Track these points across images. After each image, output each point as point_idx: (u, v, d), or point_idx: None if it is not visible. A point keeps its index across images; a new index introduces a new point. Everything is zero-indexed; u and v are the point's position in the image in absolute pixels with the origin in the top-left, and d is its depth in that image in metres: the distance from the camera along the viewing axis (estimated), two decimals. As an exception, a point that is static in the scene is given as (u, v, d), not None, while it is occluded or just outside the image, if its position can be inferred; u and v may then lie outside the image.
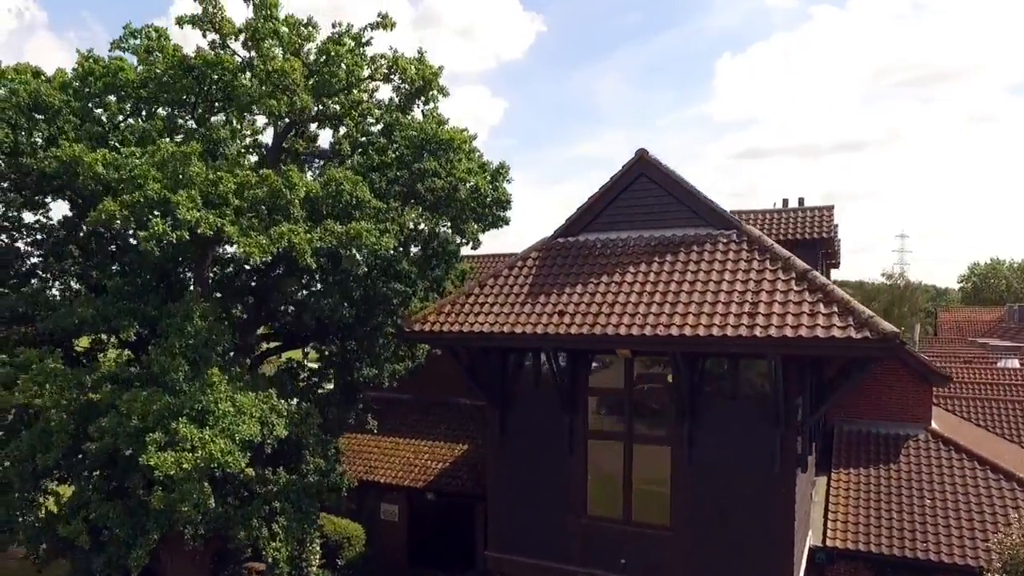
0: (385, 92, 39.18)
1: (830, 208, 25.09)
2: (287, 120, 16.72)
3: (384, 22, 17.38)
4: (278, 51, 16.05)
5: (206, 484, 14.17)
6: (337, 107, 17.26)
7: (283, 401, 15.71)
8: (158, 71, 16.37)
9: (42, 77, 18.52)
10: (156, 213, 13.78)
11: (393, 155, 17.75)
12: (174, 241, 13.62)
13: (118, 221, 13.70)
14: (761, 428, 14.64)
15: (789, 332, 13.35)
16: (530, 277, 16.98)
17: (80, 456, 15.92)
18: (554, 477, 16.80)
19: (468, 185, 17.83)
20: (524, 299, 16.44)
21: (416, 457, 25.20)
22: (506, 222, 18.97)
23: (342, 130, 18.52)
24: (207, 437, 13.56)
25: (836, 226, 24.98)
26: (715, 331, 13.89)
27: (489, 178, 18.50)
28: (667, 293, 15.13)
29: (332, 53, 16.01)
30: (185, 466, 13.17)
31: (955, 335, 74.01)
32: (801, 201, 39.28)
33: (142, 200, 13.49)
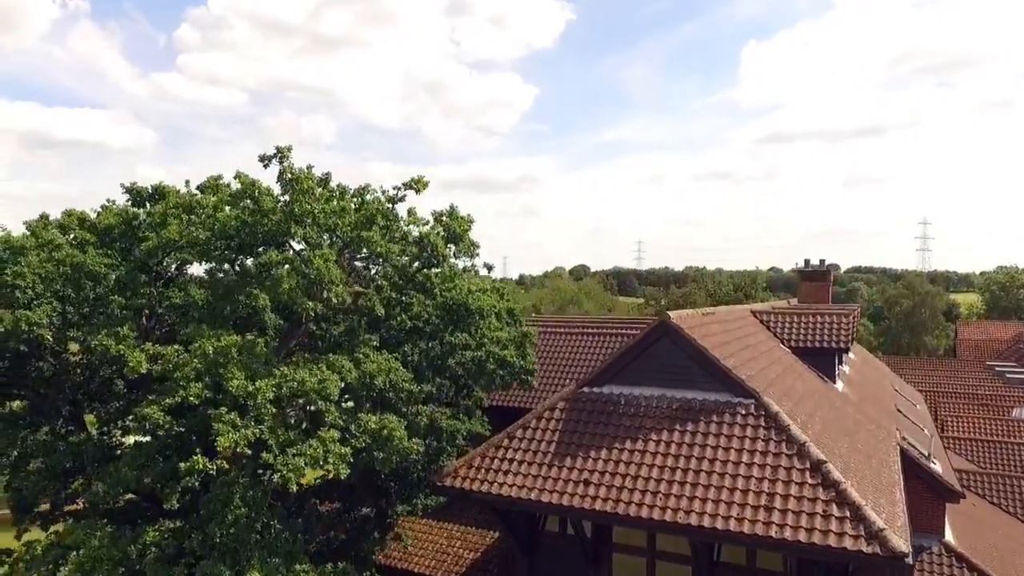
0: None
1: (849, 314, 24.88)
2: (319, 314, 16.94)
3: (416, 185, 17.58)
4: (312, 232, 16.20)
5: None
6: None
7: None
8: (201, 237, 16.66)
9: (88, 222, 19.04)
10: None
11: (425, 324, 17.98)
12: (212, 471, 13.99)
13: (161, 427, 14.15)
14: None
15: (803, 537, 13.46)
16: (556, 433, 17.19)
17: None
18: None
19: (497, 357, 18.07)
20: (551, 459, 16.66)
21: (449, 544, 25.58)
22: (531, 385, 19.23)
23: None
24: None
25: (854, 332, 24.81)
26: (732, 525, 14.04)
27: (516, 347, 18.70)
28: (687, 471, 15.30)
29: (366, 238, 16.16)
30: None
31: (974, 354, 73.01)
32: (822, 263, 39.03)
33: (183, 403, 13.92)
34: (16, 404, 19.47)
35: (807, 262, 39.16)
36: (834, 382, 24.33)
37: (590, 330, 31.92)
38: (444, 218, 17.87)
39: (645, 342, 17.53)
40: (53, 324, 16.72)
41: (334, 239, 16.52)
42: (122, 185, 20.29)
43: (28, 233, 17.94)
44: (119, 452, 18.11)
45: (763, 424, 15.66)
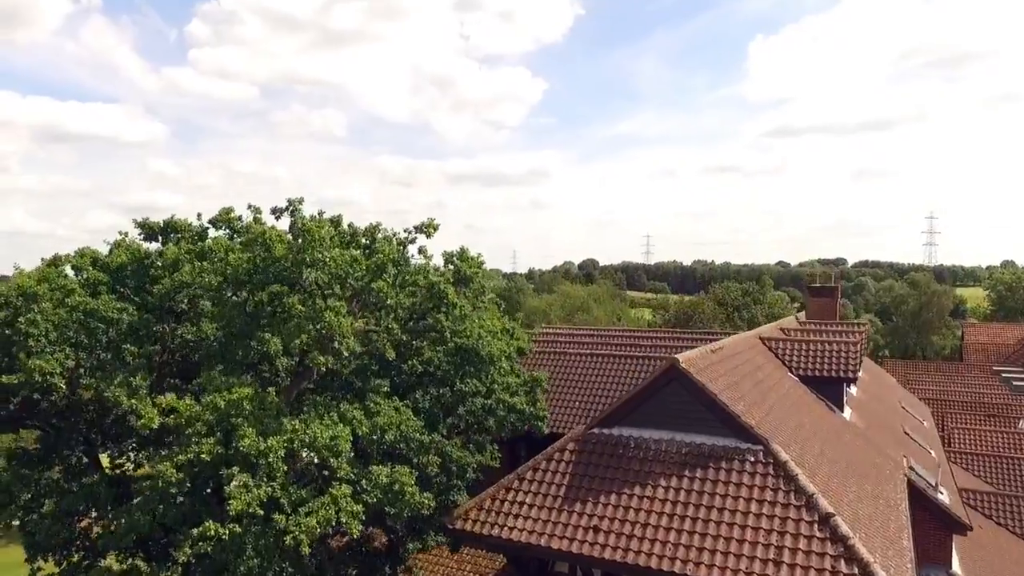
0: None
1: (855, 342, 24.73)
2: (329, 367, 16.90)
3: (427, 229, 17.56)
4: (323, 275, 16.15)
5: None
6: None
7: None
8: (214, 282, 16.66)
9: (100, 262, 19.08)
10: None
11: (436, 369, 17.94)
12: (224, 537, 13.98)
13: (173, 485, 14.21)
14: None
15: (811, 595, 13.41)
16: (566, 476, 17.15)
17: None
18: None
19: (507, 405, 18.03)
20: (560, 504, 16.63)
21: (459, 568, 25.63)
22: (541, 431, 19.22)
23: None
24: None
25: (861, 359, 24.66)
26: (741, 580, 14.00)
27: (526, 392, 18.66)
28: (696, 520, 15.24)
29: (377, 289, 16.12)
30: None
31: (980, 357, 72.59)
32: (830, 278, 38.97)
33: (195, 461, 13.96)
34: (29, 435, 19.53)
35: (814, 276, 39.21)
36: (842, 410, 24.21)
37: (601, 350, 31.89)
38: (455, 260, 17.83)
39: (655, 386, 17.46)
40: (66, 372, 16.71)
41: (345, 287, 16.47)
42: (134, 221, 20.36)
43: (41, 278, 17.90)
44: (133, 490, 18.19)
45: (772, 472, 15.58)
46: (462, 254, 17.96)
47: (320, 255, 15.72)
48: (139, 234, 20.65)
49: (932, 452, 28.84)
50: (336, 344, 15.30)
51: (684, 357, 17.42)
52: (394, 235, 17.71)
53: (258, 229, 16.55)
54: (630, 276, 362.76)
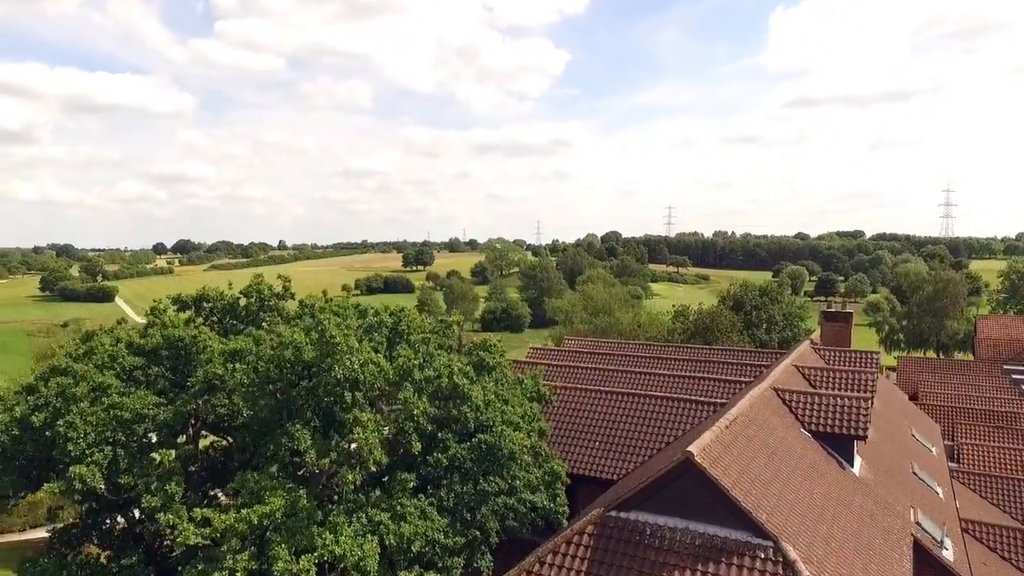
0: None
1: (866, 400, 24.83)
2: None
3: (454, 323, 17.93)
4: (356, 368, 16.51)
5: None
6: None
7: None
8: (245, 381, 17.12)
9: (136, 345, 19.70)
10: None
11: (460, 464, 18.30)
12: None
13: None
14: None
15: None
16: (585, 562, 17.57)
17: None
18: None
19: (528, 503, 18.41)
20: (578, 593, 17.06)
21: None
22: (560, 524, 19.57)
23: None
24: None
25: (869, 417, 24.77)
26: None
27: (546, 486, 19.03)
28: (708, 619, 15.62)
29: (402, 399, 16.49)
30: None
31: (992, 353, 72.01)
32: (829, 304, 38.98)
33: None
34: (100, 554, 20.10)
35: (830, 303, 39.58)
36: (852, 464, 24.41)
37: (622, 386, 32.30)
38: (479, 352, 18.17)
39: (671, 475, 17.76)
40: (104, 472, 17.20)
41: (372, 389, 16.84)
42: (168, 297, 21.00)
43: (79, 376, 18.34)
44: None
45: (780, 572, 15.89)
46: (485, 344, 18.31)
47: (348, 363, 16.10)
48: (175, 306, 21.28)
49: (940, 491, 29.02)
50: (364, 457, 15.73)
51: (699, 449, 17.67)
52: (420, 331, 18.04)
53: (288, 335, 16.92)
54: (652, 249, 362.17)
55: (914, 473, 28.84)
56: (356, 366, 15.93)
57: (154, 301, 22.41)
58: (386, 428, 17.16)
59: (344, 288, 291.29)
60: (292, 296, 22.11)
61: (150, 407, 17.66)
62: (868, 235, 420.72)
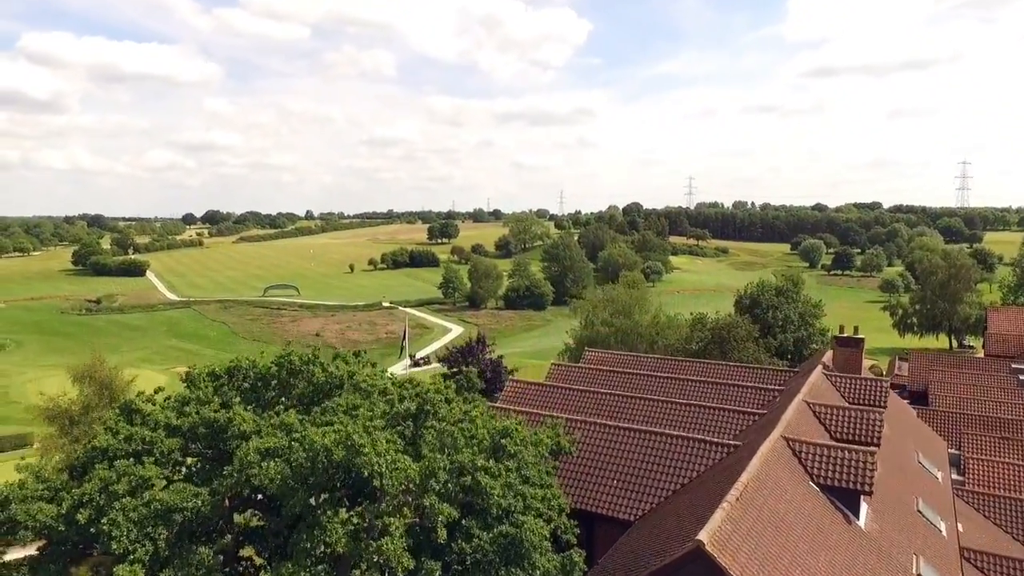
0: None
1: (872, 456, 25.31)
2: None
3: (476, 415, 18.62)
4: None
5: None
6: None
7: None
8: (277, 478, 17.93)
9: (172, 427, 20.64)
10: None
11: (483, 557, 18.94)
12: None
13: None
14: None
15: None
16: (604, 637, 18.36)
17: None
18: None
19: None
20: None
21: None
22: None
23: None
24: None
25: (875, 473, 25.26)
26: None
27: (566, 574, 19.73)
28: None
29: (429, 504, 17.21)
30: None
31: (1003, 349, 71.74)
32: (841, 329, 39.27)
33: None
34: None
35: (842, 328, 40.11)
36: (858, 515, 24.98)
37: (640, 425, 32.96)
38: (503, 440, 18.87)
39: (682, 562, 18.40)
40: (146, 569, 17.84)
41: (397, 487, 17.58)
42: (204, 369, 21.97)
43: (121, 473, 19.05)
44: None
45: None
46: (506, 432, 19.01)
47: (376, 462, 16.83)
48: (209, 377, 22.24)
49: (943, 527, 29.52)
50: (392, 565, 16.53)
51: (708, 536, 18.25)
52: (450, 417, 18.75)
53: (319, 441, 17.55)
54: (672, 221, 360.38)
55: (918, 511, 29.33)
56: (384, 469, 16.67)
57: (189, 367, 23.44)
58: (411, 516, 17.93)
59: (371, 262, 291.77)
60: (321, 365, 22.89)
61: (189, 499, 18.42)
62: (886, 207, 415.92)
